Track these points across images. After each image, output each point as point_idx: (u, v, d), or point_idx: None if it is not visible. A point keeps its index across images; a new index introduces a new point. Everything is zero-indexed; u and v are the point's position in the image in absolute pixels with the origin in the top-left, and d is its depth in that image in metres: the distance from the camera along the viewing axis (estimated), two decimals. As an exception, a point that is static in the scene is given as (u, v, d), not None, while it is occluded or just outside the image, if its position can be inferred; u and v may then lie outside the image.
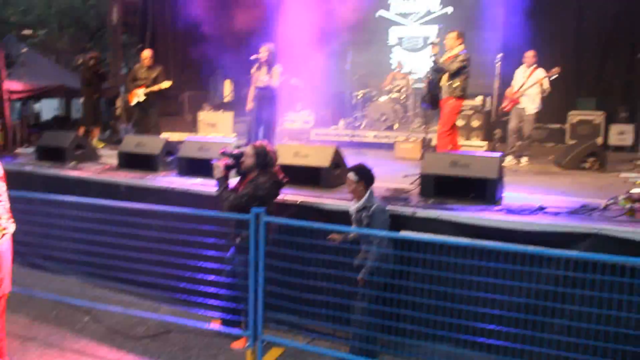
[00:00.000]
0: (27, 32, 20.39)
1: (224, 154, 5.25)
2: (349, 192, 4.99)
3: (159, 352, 5.22)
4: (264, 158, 5.08)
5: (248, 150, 5.14)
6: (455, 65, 7.59)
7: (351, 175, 4.85)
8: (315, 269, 4.74)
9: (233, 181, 5.32)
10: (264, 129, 8.16)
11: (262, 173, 5.07)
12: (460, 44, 7.78)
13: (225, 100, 14.03)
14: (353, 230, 4.88)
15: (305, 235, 4.68)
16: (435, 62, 7.84)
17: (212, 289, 5.19)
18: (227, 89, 14.46)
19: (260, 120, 8.15)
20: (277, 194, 5.24)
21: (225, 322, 5.24)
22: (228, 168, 5.20)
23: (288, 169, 5.51)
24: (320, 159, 6.27)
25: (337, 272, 4.63)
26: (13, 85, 12.56)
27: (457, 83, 7.66)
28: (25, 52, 14.23)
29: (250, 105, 8.33)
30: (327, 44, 13.11)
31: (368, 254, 4.71)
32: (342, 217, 5.10)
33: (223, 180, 5.15)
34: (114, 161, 8.09)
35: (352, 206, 4.93)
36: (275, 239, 4.90)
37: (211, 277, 5.17)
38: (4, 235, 4.29)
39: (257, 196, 4.94)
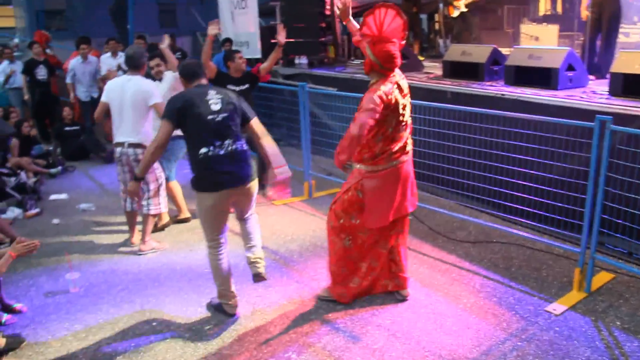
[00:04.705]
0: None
1: None
2: None
3: (480, 257, 5.22)
4: None
5: None
6: None
7: None
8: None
9: None
10: (604, 38, 7.31)
11: None
12: None
13: (541, 14, 12.92)
14: None
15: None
16: None
17: (537, 199, 4.99)
18: (544, 3, 13.25)
19: (599, 28, 7.32)
20: None
21: None
22: None
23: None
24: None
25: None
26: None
27: None
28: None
29: (585, 13, 7.54)
30: None
31: None
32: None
33: None
34: (436, 72, 8.22)
35: None
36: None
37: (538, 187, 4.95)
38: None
39: None
